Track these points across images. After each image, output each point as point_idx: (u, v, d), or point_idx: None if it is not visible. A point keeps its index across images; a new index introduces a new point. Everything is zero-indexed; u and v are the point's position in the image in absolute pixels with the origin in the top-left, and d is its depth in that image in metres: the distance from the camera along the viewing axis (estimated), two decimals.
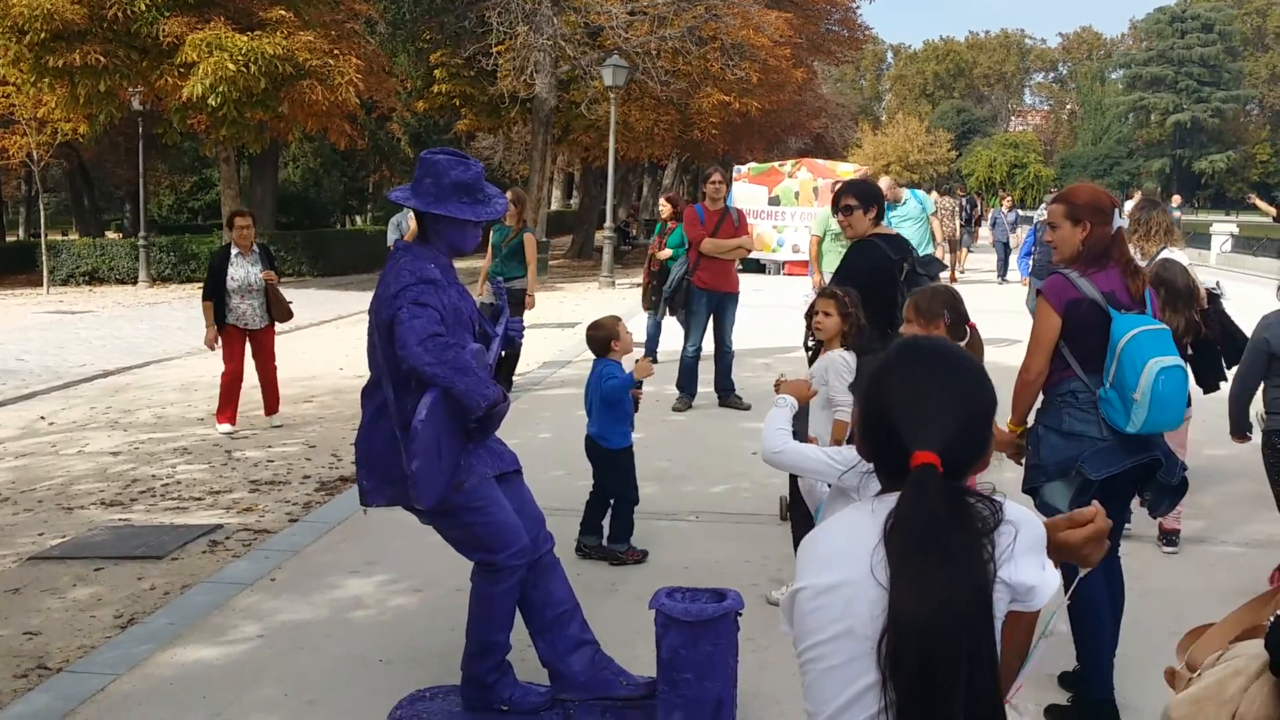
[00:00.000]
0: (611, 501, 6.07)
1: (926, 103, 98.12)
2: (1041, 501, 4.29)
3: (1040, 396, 4.42)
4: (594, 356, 6.14)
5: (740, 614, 3.97)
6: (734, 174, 23.93)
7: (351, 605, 5.35)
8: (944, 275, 25.53)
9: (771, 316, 14.62)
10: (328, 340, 15.74)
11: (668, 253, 10.93)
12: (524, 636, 4.28)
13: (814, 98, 39.51)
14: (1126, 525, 5.53)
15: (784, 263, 23.64)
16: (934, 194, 21.67)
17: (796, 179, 23.77)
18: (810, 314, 5.20)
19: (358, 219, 48.68)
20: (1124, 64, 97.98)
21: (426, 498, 3.81)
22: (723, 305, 9.88)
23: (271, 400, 9.64)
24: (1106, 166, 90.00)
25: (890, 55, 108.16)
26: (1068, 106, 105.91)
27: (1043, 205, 21.01)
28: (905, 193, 14.77)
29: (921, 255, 13.62)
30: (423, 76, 26.93)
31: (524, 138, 30.49)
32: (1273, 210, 19.94)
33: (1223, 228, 32.84)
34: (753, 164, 25.40)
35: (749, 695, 4.23)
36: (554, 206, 49.43)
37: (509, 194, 9.71)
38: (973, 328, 4.55)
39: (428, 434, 3.73)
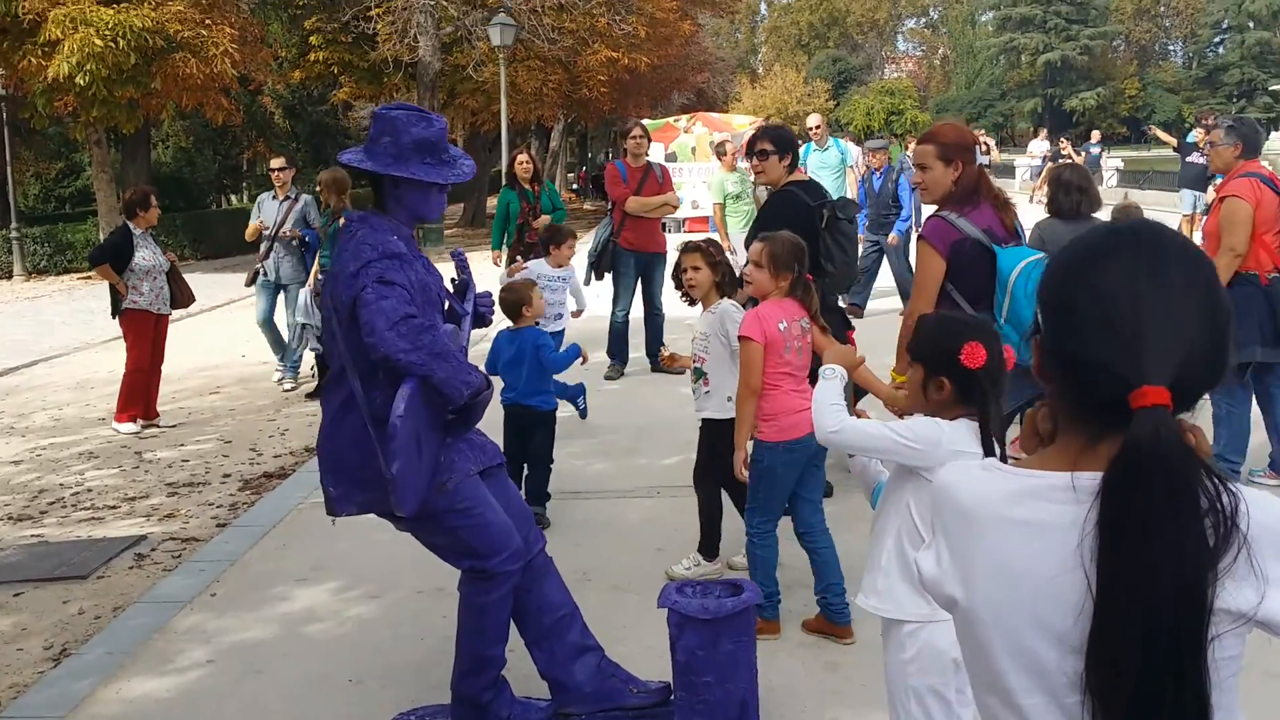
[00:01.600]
0: (526, 466, 5.95)
1: (803, 53, 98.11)
2: None
3: None
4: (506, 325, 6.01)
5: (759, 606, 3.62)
6: None
7: (305, 618, 4.88)
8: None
9: None
10: (222, 326, 14.95)
11: (545, 219, 9.33)
12: (517, 645, 3.87)
13: (699, 51, 39.10)
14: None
15: (684, 219, 23.31)
16: (853, 145, 21.54)
17: (693, 134, 23.43)
18: (678, 272, 5.04)
19: (234, 198, 47.01)
20: (993, 5, 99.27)
21: (409, 503, 3.37)
22: (651, 266, 9.50)
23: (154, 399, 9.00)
24: (981, 109, 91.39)
25: (764, 7, 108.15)
26: (940, 51, 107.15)
27: None
28: (831, 140, 14.31)
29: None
30: (298, 45, 25.86)
31: None
32: (1173, 140, 20.19)
33: (1109, 162, 33.41)
34: (647, 120, 24.95)
35: (762, 690, 3.88)
36: None
37: (322, 176, 8.98)
38: (810, 279, 4.44)
39: (407, 431, 3.29)
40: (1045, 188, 7.93)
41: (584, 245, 10.43)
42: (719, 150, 12.29)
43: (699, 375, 4.98)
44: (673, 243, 8.26)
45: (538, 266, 7.84)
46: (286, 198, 9.89)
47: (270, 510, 6.39)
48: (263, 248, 9.81)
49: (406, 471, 3.31)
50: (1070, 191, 6.68)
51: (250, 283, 10.01)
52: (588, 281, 10.48)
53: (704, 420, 5.03)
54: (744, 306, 4.84)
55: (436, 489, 3.46)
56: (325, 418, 3.57)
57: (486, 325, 4.03)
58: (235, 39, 19.75)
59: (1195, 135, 20.57)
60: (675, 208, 9.96)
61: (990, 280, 4.32)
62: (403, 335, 3.29)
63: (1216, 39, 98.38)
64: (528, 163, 9.51)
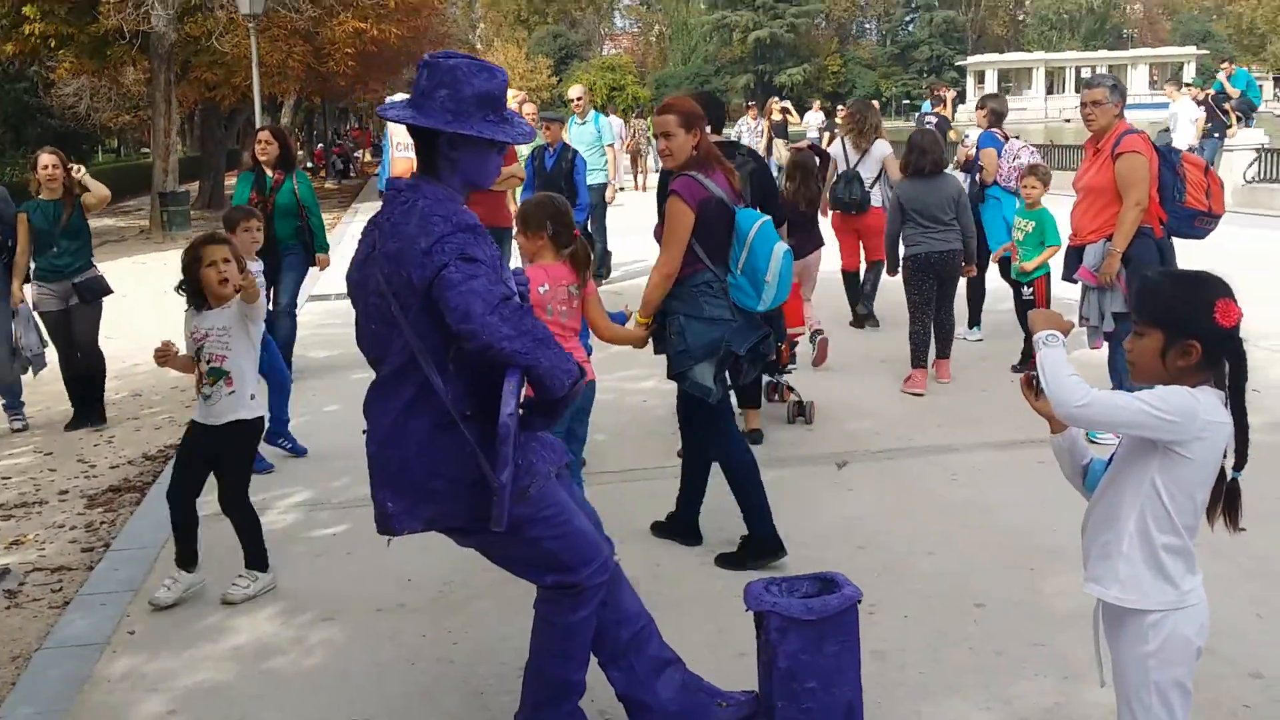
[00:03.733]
0: None
1: (523, 29, 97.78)
2: (692, 382, 4.71)
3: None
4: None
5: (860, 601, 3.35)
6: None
7: (261, 652, 4.26)
8: (630, 188, 25.62)
9: None
10: None
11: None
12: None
13: (440, 22, 38.05)
14: None
15: None
16: (617, 120, 21.40)
17: None
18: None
19: None
20: None
21: (507, 513, 2.90)
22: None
23: None
24: (698, 84, 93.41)
25: None
26: (656, 28, 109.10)
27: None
28: (591, 114, 13.67)
29: (597, 185, 13.08)
30: (9, 16, 23.35)
31: (139, 81, 27.27)
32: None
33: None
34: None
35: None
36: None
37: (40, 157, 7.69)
38: (577, 236, 4.80)
39: (516, 431, 2.82)
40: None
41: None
42: None
43: (218, 376, 4.65)
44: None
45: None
46: None
47: (147, 530, 5.61)
48: None
49: (512, 478, 2.85)
50: (924, 153, 7.60)
51: None
52: None
53: (235, 422, 4.71)
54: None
55: (519, 495, 3.00)
56: (383, 423, 3.04)
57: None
58: None
59: (927, 108, 21.78)
60: (522, 180, 9.51)
61: (728, 237, 4.84)
62: (505, 319, 2.82)
63: (908, 18, 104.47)
64: (269, 143, 8.30)
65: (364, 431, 3.18)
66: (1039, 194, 7.80)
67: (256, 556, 4.77)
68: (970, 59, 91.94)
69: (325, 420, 7.44)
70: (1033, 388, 2.68)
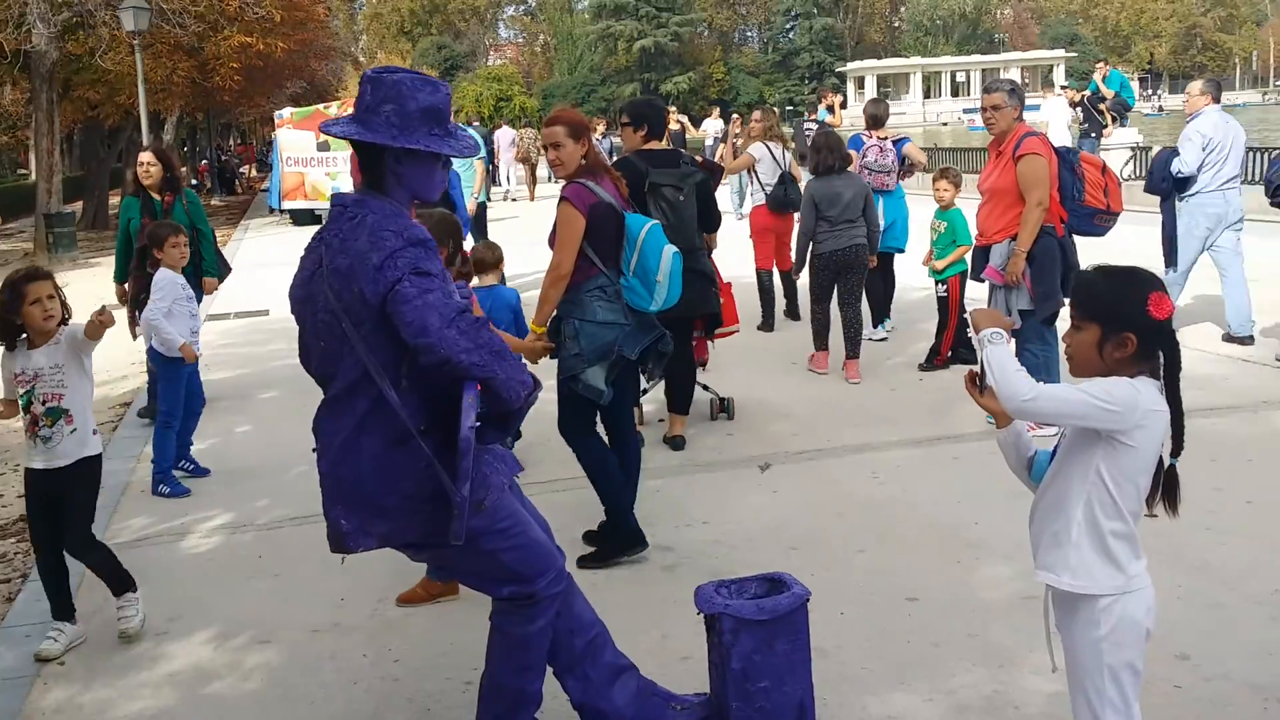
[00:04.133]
0: None
1: (406, 40, 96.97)
2: (584, 384, 4.85)
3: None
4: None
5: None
6: (276, 121, 22.20)
7: (200, 678, 4.18)
8: (523, 197, 25.44)
9: None
10: None
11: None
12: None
13: (326, 35, 37.53)
14: None
15: None
16: (507, 128, 21.28)
17: None
18: None
19: None
20: None
21: (465, 529, 2.90)
22: None
23: None
24: (585, 94, 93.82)
25: None
26: (541, 38, 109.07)
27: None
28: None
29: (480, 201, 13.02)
30: None
31: (17, 101, 26.40)
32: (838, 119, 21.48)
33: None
34: (294, 109, 23.69)
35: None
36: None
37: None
38: (464, 255, 4.92)
39: (473, 446, 2.82)
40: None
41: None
42: None
43: (57, 416, 4.46)
44: None
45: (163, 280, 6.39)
46: None
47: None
48: None
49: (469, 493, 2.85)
50: (832, 152, 8.02)
51: None
52: None
53: (81, 460, 4.51)
54: None
55: (475, 508, 3.00)
56: (334, 442, 3.01)
57: None
58: None
59: (825, 115, 22.13)
60: None
61: (618, 240, 5.02)
62: (463, 333, 2.82)
63: (788, 25, 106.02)
64: (152, 165, 7.92)
65: (314, 450, 3.14)
66: (951, 196, 8.16)
67: (123, 579, 4.58)
68: (850, 65, 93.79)
69: (237, 441, 7.31)
70: (976, 385, 2.78)
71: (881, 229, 8.59)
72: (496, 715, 3.27)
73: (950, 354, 8.17)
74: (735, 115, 21.96)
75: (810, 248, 7.99)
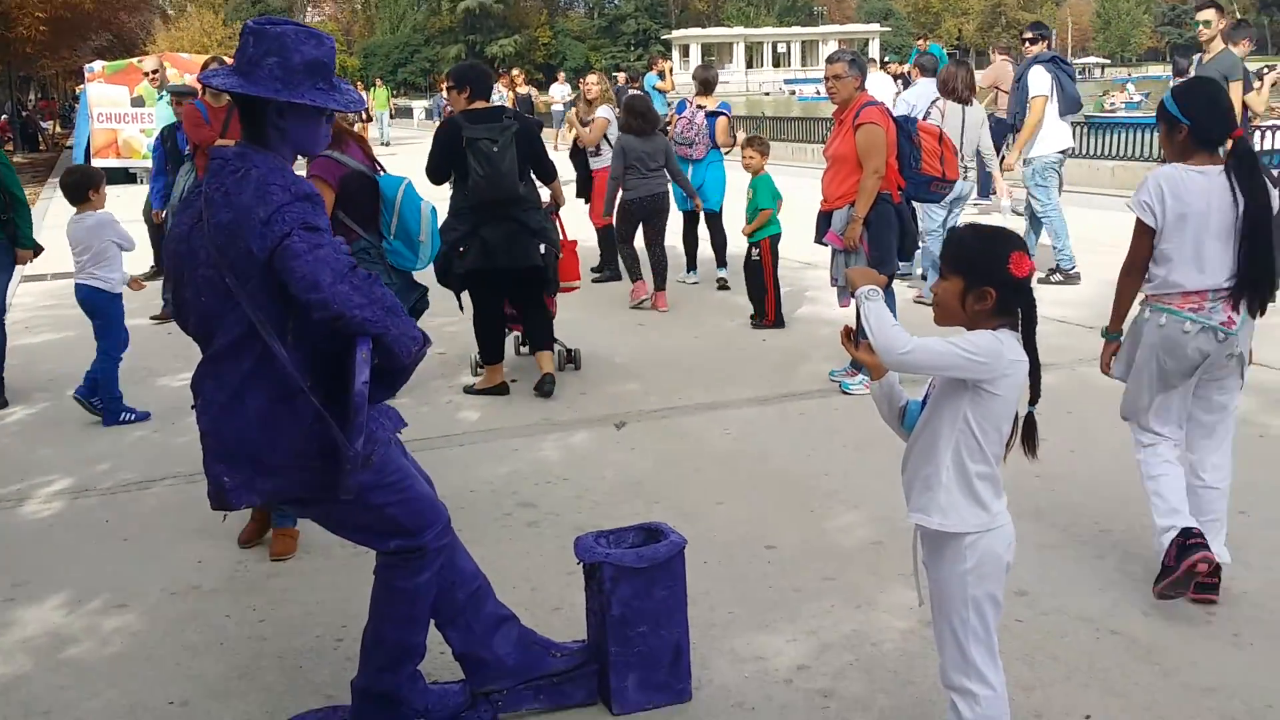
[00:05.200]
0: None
1: None
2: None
3: None
4: None
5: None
6: (86, 74, 21.12)
7: (55, 644, 4.06)
8: None
9: None
10: None
11: None
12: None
13: None
14: None
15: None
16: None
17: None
18: None
19: None
20: None
21: (357, 481, 2.92)
22: None
23: None
24: (408, 54, 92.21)
25: None
26: None
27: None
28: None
29: None
30: None
31: None
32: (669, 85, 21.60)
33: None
34: (105, 63, 22.53)
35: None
36: None
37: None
38: None
39: (366, 400, 2.84)
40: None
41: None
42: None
43: None
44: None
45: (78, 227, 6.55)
46: None
47: None
48: None
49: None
50: (643, 115, 9.14)
51: None
52: (165, 236, 9.46)
53: None
54: None
55: (363, 463, 3.01)
56: (216, 399, 2.97)
57: None
58: None
59: (655, 80, 22.36)
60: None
61: (374, 205, 5.34)
62: (355, 288, 2.81)
63: None
64: None
65: (193, 407, 3.10)
66: (757, 163, 8.52)
67: None
68: (675, 33, 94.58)
69: (70, 404, 7.03)
70: (851, 339, 2.94)
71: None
72: (379, 668, 3.29)
73: (776, 318, 8.45)
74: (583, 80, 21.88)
75: (619, 194, 9.04)
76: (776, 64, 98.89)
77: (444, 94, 21.34)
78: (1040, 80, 9.63)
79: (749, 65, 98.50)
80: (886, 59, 27.66)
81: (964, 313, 2.77)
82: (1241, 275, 3.91)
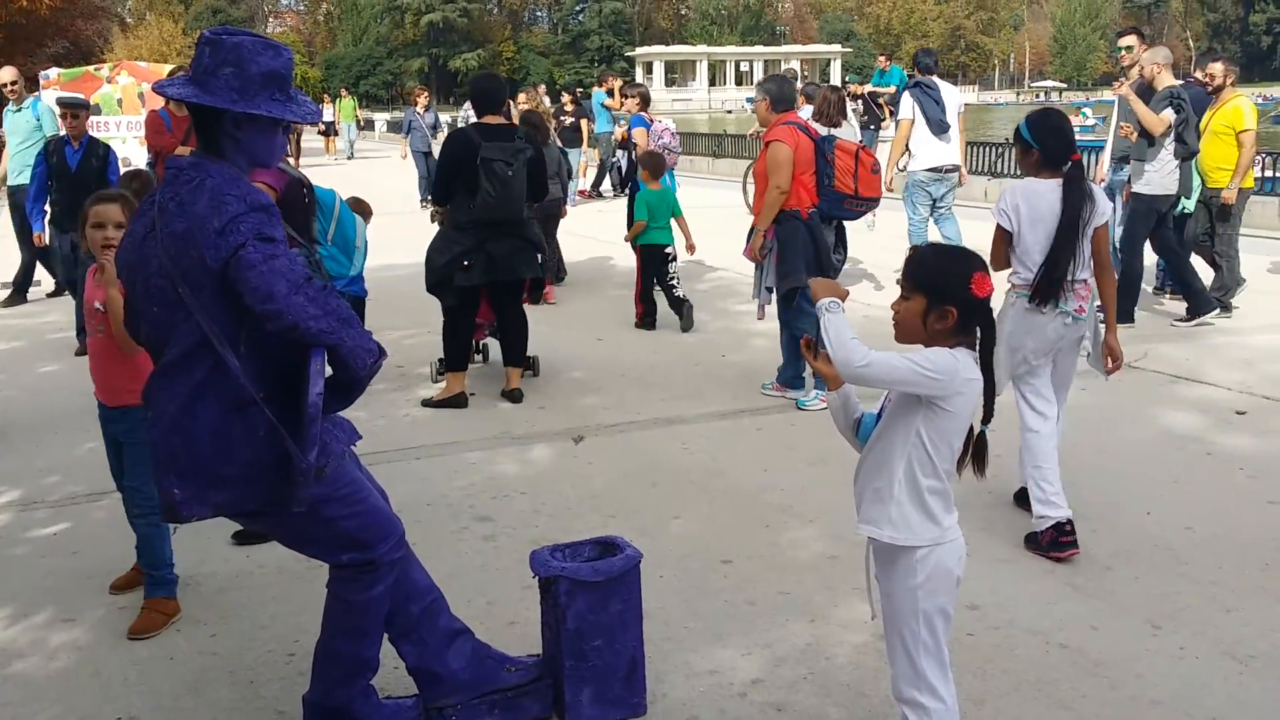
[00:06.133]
0: None
1: (179, 3, 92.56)
2: None
3: None
4: None
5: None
6: (41, 81, 20.87)
7: (0, 659, 3.98)
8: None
9: None
10: None
11: None
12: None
13: None
14: None
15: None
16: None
17: (118, 84, 21.33)
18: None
19: None
20: None
21: (310, 494, 2.91)
22: None
23: None
24: (370, 67, 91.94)
25: None
26: (324, 6, 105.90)
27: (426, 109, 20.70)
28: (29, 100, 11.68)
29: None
30: None
31: None
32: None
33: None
34: (61, 70, 22.31)
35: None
36: None
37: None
38: None
39: (320, 412, 2.83)
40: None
41: None
42: None
43: None
44: None
45: None
46: None
47: None
48: None
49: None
50: (538, 128, 9.72)
51: None
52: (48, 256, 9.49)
53: None
54: None
55: (316, 475, 2.99)
56: (167, 412, 2.94)
57: None
58: None
59: (603, 98, 22.30)
60: None
61: (308, 211, 5.58)
62: (311, 299, 2.80)
63: (578, 7, 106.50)
64: None
65: (144, 419, 3.07)
66: (644, 176, 9.35)
67: None
68: (639, 50, 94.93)
69: (20, 414, 6.94)
70: (811, 349, 2.96)
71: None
72: (332, 682, 3.27)
73: (645, 316, 9.16)
74: (565, 94, 21.84)
75: None
76: (739, 82, 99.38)
77: (418, 105, 21.17)
78: (905, 105, 10.21)
79: (712, 83, 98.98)
80: (847, 79, 27.90)
81: (924, 331, 2.80)
82: (1046, 271, 4.71)
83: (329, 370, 2.91)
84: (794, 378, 6.94)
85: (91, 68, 22.24)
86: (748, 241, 7.05)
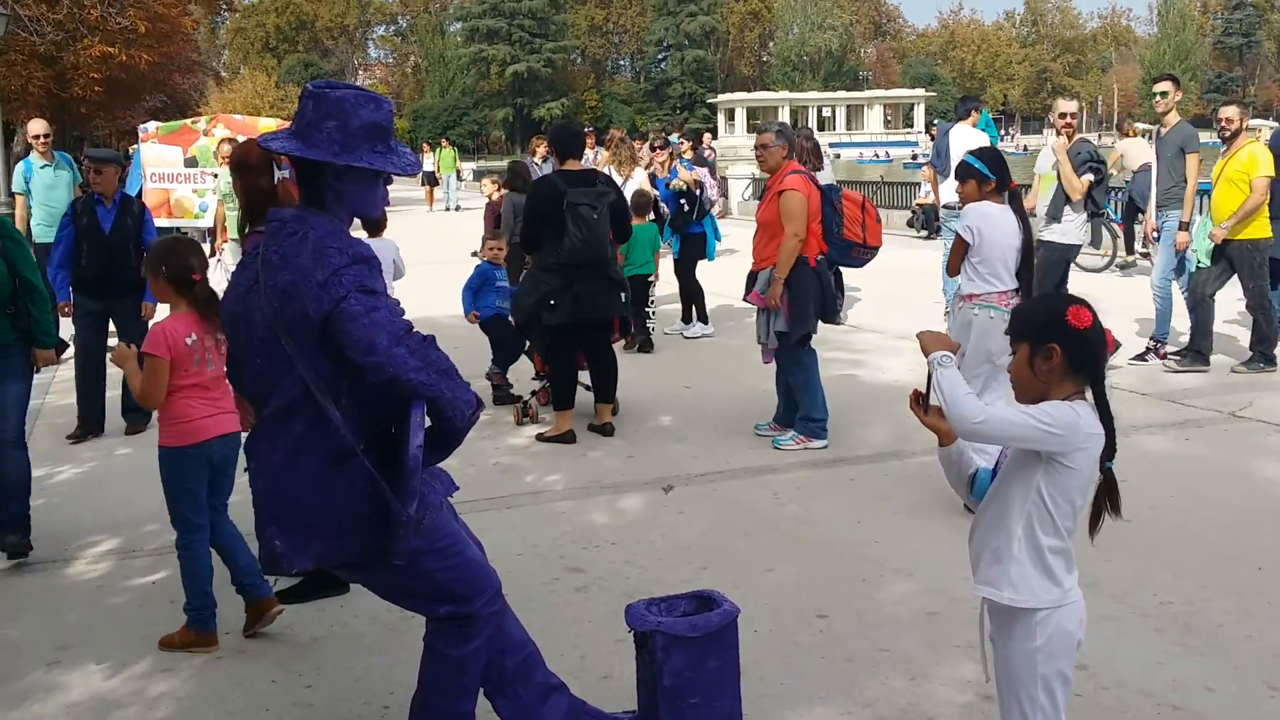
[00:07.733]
0: None
1: (271, 57, 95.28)
2: None
3: None
4: None
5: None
6: (140, 134, 21.55)
7: (100, 709, 4.03)
8: None
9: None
10: None
11: None
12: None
13: (191, 48, 36.67)
14: None
15: (207, 230, 21.74)
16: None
17: (214, 136, 21.87)
18: None
19: None
20: (461, 17, 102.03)
21: (409, 546, 2.89)
22: None
23: None
24: (456, 117, 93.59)
25: (224, 9, 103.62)
26: (411, 59, 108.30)
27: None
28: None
29: None
30: None
31: None
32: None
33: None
34: (159, 123, 23.00)
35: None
36: None
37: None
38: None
39: (420, 464, 2.82)
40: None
41: None
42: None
43: None
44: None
45: None
46: None
47: None
48: None
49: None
50: (518, 175, 10.44)
51: None
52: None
53: None
54: None
55: (414, 528, 2.98)
56: (272, 463, 2.96)
57: None
58: None
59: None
60: None
61: None
62: (413, 352, 2.81)
63: (660, 56, 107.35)
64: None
65: (245, 470, 3.09)
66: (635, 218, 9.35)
67: None
68: (720, 97, 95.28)
69: (119, 465, 7.08)
70: (921, 404, 2.88)
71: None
72: None
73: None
74: (681, 140, 21.77)
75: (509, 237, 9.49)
76: (821, 127, 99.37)
77: (535, 155, 21.43)
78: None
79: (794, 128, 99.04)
80: (934, 122, 27.66)
81: (1035, 378, 2.72)
82: (1025, 281, 5.75)
83: (428, 421, 2.90)
84: (786, 415, 7.15)
85: (188, 120, 22.90)
86: (748, 287, 7.08)
